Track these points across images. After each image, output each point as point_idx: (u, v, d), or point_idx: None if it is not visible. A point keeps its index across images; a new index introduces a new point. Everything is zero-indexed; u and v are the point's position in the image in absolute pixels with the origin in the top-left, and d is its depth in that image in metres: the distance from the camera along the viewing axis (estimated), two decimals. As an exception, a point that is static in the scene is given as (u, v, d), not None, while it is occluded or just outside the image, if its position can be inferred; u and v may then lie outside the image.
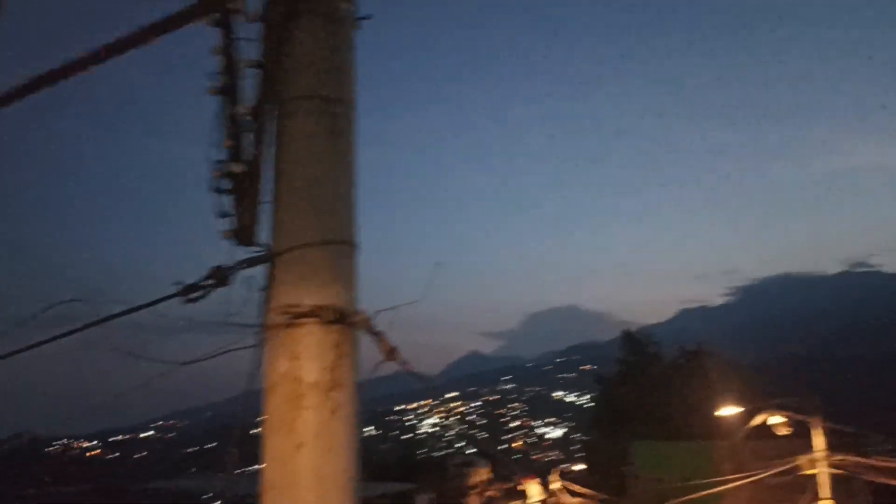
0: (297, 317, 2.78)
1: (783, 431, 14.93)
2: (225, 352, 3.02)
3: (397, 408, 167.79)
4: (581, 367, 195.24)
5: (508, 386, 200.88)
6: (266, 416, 2.79)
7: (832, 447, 15.35)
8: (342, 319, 2.82)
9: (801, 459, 14.75)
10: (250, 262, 2.95)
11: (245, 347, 2.96)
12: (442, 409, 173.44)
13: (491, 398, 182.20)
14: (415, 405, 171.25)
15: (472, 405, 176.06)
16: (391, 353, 2.92)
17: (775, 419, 14.78)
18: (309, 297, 2.80)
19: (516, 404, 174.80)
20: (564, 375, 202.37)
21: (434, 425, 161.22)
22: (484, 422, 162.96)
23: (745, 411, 17.00)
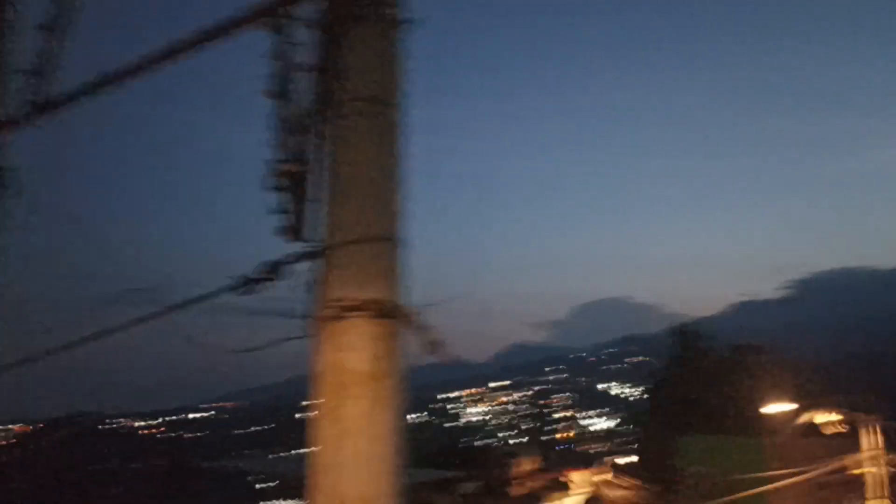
0: (346, 310, 2.92)
1: (833, 430, 14.65)
2: (278, 342, 3.18)
3: (441, 396, 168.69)
4: (631, 360, 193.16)
5: (556, 376, 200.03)
6: (315, 404, 2.94)
7: (887, 447, 14.99)
8: (388, 314, 2.95)
9: (851, 458, 14.46)
10: (303, 257, 3.10)
11: (297, 338, 3.13)
12: (488, 398, 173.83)
13: (538, 388, 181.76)
14: (460, 393, 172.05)
15: (519, 395, 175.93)
16: (436, 347, 3.03)
17: (825, 417, 14.52)
18: (357, 292, 2.94)
19: (564, 395, 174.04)
20: (614, 367, 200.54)
21: (480, 414, 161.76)
22: (530, 412, 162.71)
23: (797, 408, 16.72)
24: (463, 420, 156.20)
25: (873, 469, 14.15)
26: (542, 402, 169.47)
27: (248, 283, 3.07)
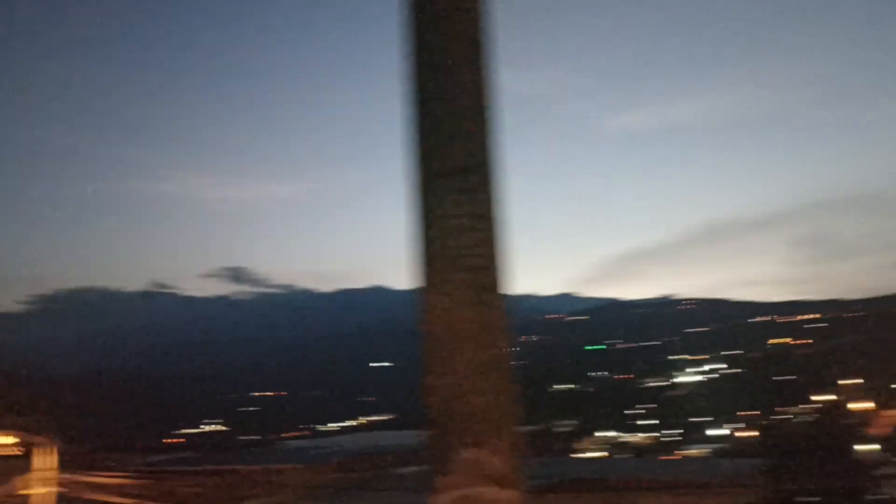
0: None
1: (13, 451, 14.53)
2: None
3: None
4: None
5: None
6: None
7: (70, 466, 15.53)
8: None
9: (23, 478, 14.52)
10: None
11: None
12: None
13: None
14: None
15: None
16: None
17: (4, 439, 14.30)
18: None
19: None
20: None
21: None
22: None
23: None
24: None
25: (44, 489, 14.42)
26: None
27: None
